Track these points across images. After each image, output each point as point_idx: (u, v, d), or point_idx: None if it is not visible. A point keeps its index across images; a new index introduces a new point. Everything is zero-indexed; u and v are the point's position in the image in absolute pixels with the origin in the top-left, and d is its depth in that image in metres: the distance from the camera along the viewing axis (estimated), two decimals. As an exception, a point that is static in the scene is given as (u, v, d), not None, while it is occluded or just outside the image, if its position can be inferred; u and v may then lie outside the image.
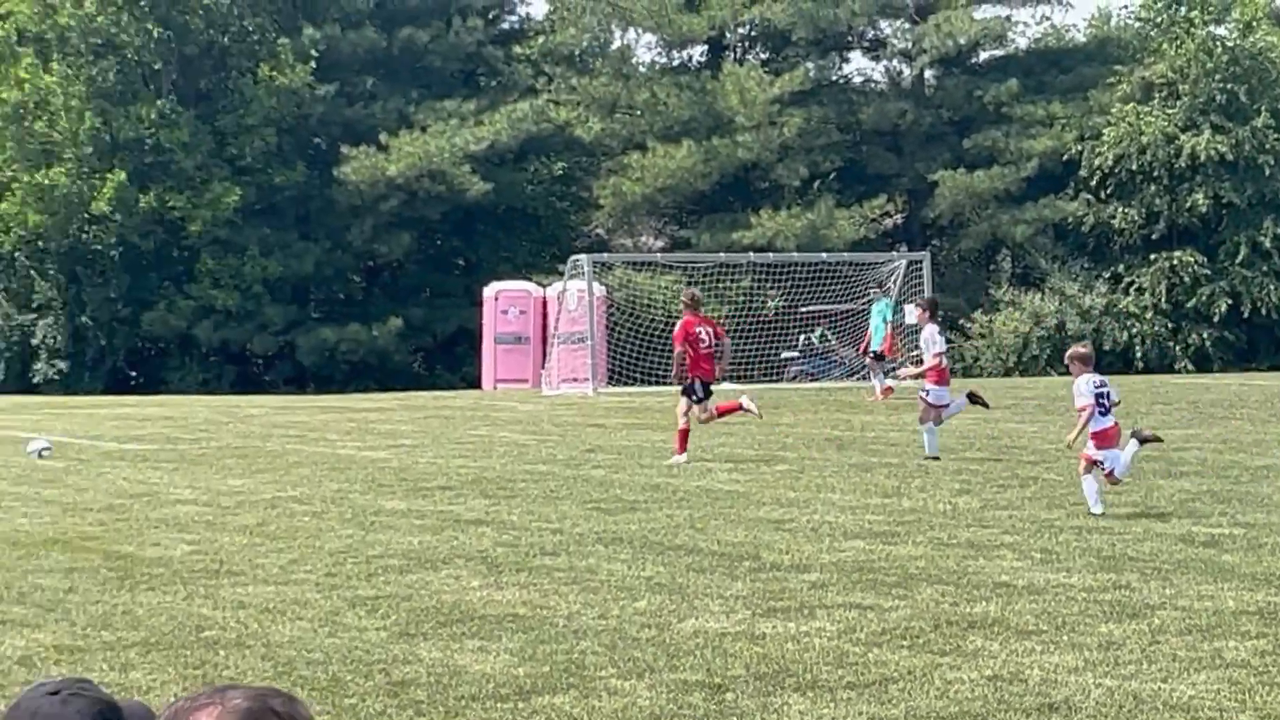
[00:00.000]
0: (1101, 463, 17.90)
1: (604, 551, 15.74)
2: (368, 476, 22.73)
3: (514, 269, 57.02)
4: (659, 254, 55.28)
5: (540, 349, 48.87)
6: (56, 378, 56.61)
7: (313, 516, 18.70)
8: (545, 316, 49.30)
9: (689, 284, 31.44)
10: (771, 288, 52.08)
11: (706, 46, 64.06)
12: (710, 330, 24.84)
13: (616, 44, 62.73)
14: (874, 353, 38.21)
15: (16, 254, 57.86)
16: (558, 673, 10.76)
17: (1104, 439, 18.08)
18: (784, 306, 49.95)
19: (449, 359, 58.88)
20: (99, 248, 57.35)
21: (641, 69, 62.99)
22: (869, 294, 41.93)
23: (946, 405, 24.11)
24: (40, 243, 57.27)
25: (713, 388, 24.58)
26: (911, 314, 36.22)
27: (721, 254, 51.45)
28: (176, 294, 56.50)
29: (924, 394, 24.13)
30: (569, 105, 60.21)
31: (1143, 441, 18.63)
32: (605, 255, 52.73)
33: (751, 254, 51.58)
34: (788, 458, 24.10)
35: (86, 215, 56.29)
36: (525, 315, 49.80)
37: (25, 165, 56.08)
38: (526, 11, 67.12)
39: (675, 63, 64.26)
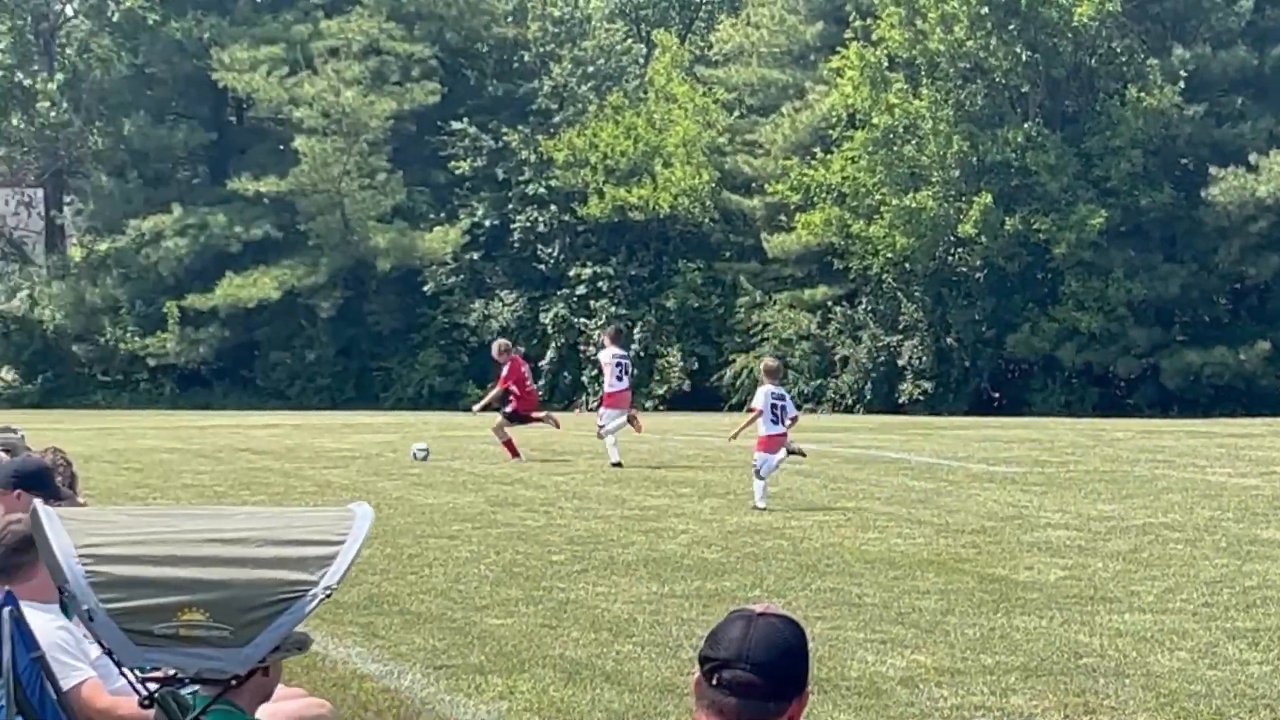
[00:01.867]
0: (758, 464, 21.90)
1: None
2: (1240, 504, 22.12)
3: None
4: None
5: None
6: (921, 398, 57.66)
7: (1185, 544, 18.32)
8: None
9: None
10: None
11: None
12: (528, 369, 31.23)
13: None
14: None
15: (884, 276, 59.32)
16: None
17: (766, 443, 21.99)
18: None
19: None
20: (964, 270, 58.17)
21: None
22: None
23: None
24: (907, 265, 58.52)
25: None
26: None
27: None
28: (1040, 316, 56.63)
29: None
30: None
31: (790, 453, 22.35)
32: None
33: None
34: None
35: (953, 238, 57.21)
36: None
37: (894, 189, 57.46)
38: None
39: None
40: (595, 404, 43.64)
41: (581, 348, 62.92)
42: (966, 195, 56.37)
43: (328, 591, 5.40)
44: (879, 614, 14.11)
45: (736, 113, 66.28)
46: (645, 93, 66.43)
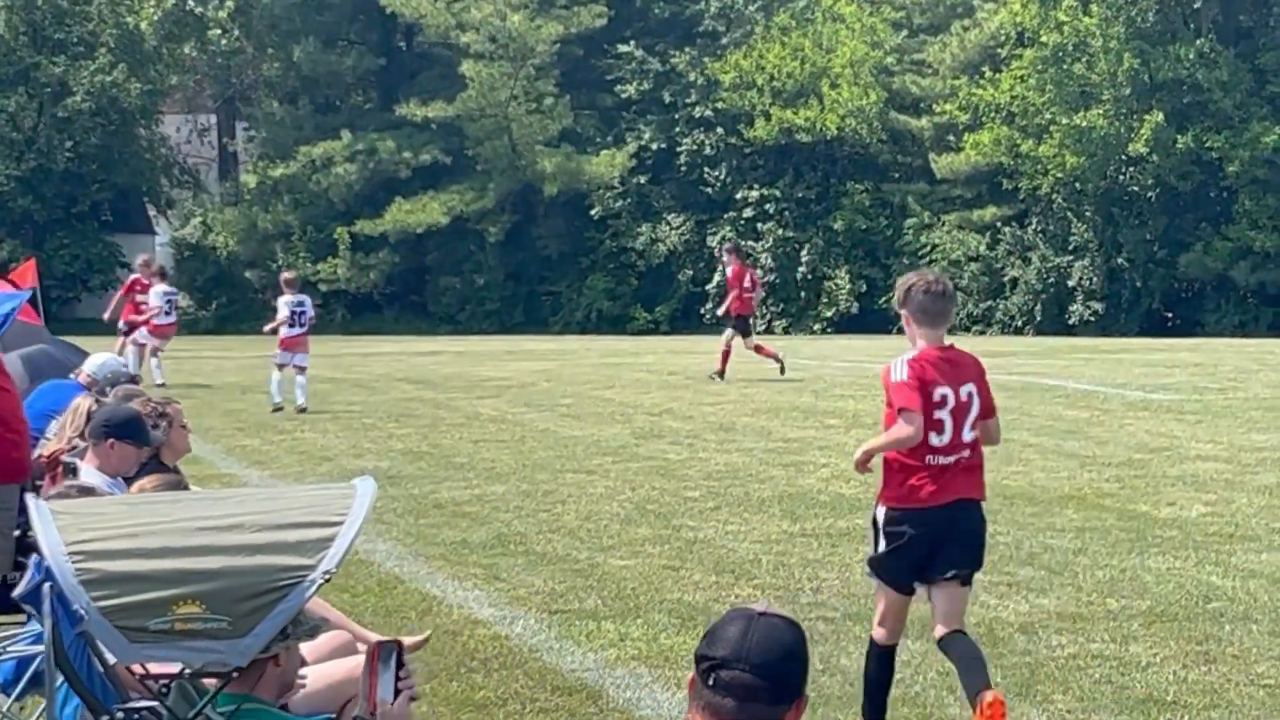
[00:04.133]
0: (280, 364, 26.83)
1: None
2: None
3: None
4: None
5: None
6: (1092, 319, 56.97)
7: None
8: None
9: None
10: None
11: None
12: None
13: None
14: None
15: (1054, 196, 58.57)
16: None
17: (288, 343, 26.82)
18: None
19: None
20: (1135, 189, 57.28)
21: None
22: None
23: None
24: (1077, 185, 57.73)
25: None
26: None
27: None
28: (1213, 235, 55.70)
29: None
30: None
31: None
32: None
33: None
34: None
35: (1124, 157, 56.35)
36: None
37: (1064, 107, 56.69)
38: None
39: None
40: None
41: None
42: (1137, 113, 55.53)
43: (327, 576, 5.22)
44: (1009, 554, 13.86)
45: (904, 32, 65.64)
46: (812, 13, 65.85)
